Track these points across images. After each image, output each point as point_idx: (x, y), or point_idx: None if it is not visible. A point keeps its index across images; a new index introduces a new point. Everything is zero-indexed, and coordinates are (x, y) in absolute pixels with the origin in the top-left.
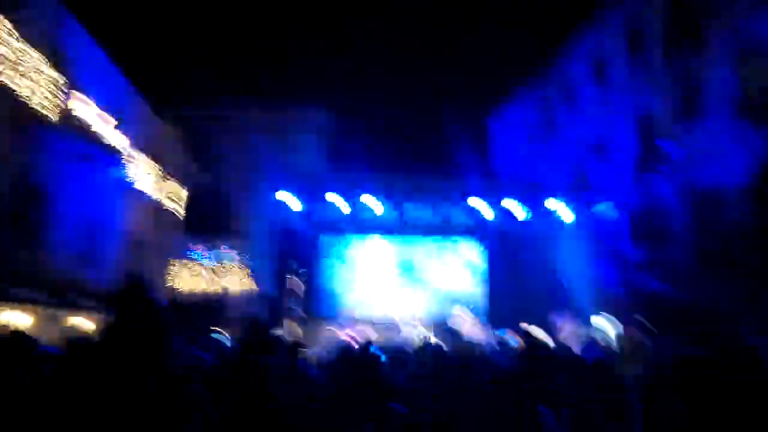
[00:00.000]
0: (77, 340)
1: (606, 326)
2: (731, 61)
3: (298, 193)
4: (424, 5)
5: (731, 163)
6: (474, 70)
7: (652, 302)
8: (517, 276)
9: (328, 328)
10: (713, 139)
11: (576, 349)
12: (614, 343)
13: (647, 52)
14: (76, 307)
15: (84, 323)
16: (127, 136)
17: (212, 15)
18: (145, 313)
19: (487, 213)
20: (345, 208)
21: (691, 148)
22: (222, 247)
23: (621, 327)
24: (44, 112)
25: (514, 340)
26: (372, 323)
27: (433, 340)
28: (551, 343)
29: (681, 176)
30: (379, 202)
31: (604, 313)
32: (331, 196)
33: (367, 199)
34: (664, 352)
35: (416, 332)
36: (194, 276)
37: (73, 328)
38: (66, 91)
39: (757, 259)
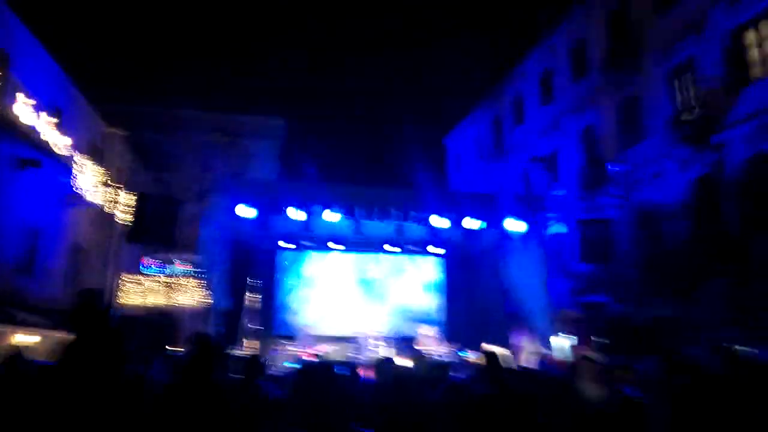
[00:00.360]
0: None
1: (564, 345)
2: (667, 80)
3: (254, 204)
4: (385, 24)
5: (670, 180)
6: (431, 90)
7: (603, 318)
8: (474, 291)
9: (286, 345)
10: (653, 157)
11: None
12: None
13: (589, 71)
14: (15, 322)
15: (25, 339)
16: (68, 137)
17: (166, 11)
18: (101, 332)
19: (445, 228)
20: (302, 220)
21: (632, 166)
22: (175, 260)
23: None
24: None
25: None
26: (332, 340)
27: (395, 357)
28: (512, 364)
29: (624, 193)
30: (337, 215)
31: (562, 333)
32: (291, 211)
33: (326, 214)
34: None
35: (378, 349)
36: (144, 290)
37: (12, 345)
38: (1, 87)
39: (696, 272)
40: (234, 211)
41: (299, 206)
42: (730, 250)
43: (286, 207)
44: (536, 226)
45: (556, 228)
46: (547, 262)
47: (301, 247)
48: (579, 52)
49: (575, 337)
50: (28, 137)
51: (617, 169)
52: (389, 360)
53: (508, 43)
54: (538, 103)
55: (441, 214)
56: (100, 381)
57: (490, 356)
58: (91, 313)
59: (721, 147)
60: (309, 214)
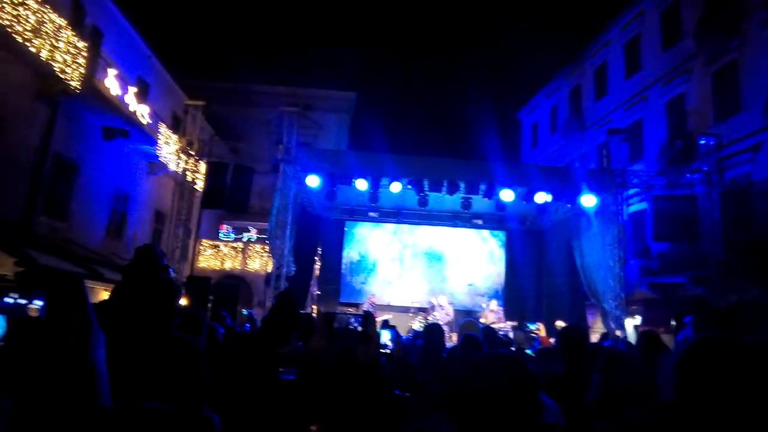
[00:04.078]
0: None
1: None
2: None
3: (323, 175)
4: None
5: (765, 155)
6: (506, 62)
7: (679, 300)
8: (544, 268)
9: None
10: (750, 130)
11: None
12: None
13: (682, 37)
14: (103, 280)
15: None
16: (153, 109)
17: None
18: (152, 281)
19: (512, 202)
20: (370, 191)
21: (724, 142)
22: (250, 228)
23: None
24: (67, 79)
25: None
26: (395, 309)
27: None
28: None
29: (714, 169)
30: (402, 185)
31: (635, 314)
32: (359, 182)
33: (393, 186)
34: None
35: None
36: (221, 255)
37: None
38: (88, 58)
39: None
40: (304, 182)
41: (367, 177)
42: None
43: (355, 178)
44: (614, 202)
45: (637, 206)
46: (627, 240)
47: (368, 218)
48: (672, 16)
49: (640, 318)
50: (118, 109)
51: (709, 142)
52: (436, 325)
53: (590, 11)
54: (623, 72)
55: (512, 188)
56: (141, 325)
57: (567, 335)
58: (147, 268)
59: None
60: (377, 185)
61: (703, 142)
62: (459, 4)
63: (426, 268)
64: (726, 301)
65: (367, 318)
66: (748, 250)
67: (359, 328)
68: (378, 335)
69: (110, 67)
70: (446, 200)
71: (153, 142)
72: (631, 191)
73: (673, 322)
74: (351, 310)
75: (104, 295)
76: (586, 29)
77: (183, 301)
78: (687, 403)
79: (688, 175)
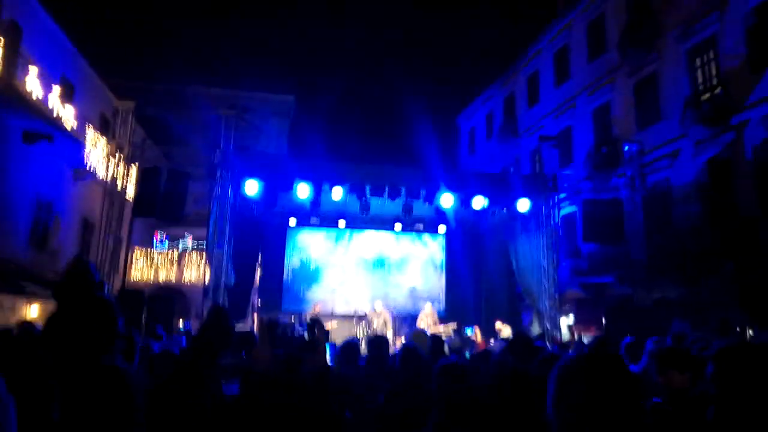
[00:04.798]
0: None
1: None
2: (687, 59)
3: (262, 180)
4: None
5: (685, 161)
6: (444, 68)
7: (607, 299)
8: (482, 271)
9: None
10: (669, 137)
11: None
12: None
13: (607, 49)
14: (25, 294)
15: (38, 311)
16: (79, 111)
17: None
18: (88, 302)
19: (453, 207)
20: (310, 197)
21: (646, 148)
22: (186, 235)
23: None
24: None
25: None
26: (338, 317)
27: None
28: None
29: (637, 174)
30: (343, 190)
31: (567, 313)
32: (299, 188)
33: (335, 191)
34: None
35: (379, 327)
36: (155, 265)
37: (21, 317)
38: (5, 55)
39: (705, 254)
40: (242, 187)
41: (308, 182)
42: (741, 233)
43: (295, 183)
44: (546, 205)
45: (568, 209)
46: (559, 242)
47: (309, 224)
48: (597, 29)
49: (572, 316)
50: (40, 111)
51: (632, 148)
52: (381, 337)
53: (524, 21)
54: (553, 81)
55: (451, 193)
56: (80, 352)
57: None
58: (80, 284)
59: (740, 128)
60: (317, 191)
61: (626, 148)
62: (399, 10)
63: (369, 274)
64: (650, 299)
65: (314, 324)
66: (668, 251)
67: (305, 335)
68: (326, 342)
69: (31, 65)
70: (388, 205)
71: (79, 146)
72: (562, 195)
73: (604, 321)
74: (292, 318)
75: (26, 310)
76: (520, 38)
77: None
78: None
79: (613, 180)
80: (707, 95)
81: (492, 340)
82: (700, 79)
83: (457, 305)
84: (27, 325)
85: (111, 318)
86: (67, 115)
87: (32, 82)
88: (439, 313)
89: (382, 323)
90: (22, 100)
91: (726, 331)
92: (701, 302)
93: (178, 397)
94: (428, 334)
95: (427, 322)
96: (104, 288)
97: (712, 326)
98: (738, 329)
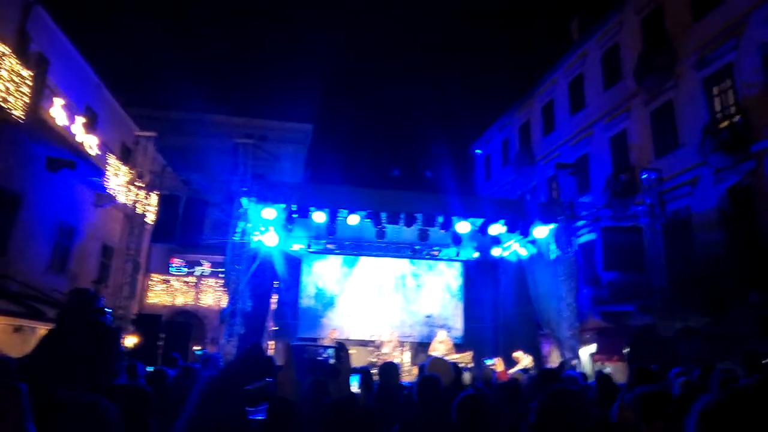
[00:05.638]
0: None
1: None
2: (704, 87)
3: (278, 207)
4: (414, 29)
5: (704, 189)
6: (460, 96)
7: (628, 328)
8: (499, 298)
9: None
10: (687, 165)
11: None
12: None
13: (622, 78)
14: (43, 320)
15: None
16: (102, 139)
17: (196, 15)
18: (85, 327)
19: (468, 233)
20: (327, 223)
21: (664, 176)
22: (202, 262)
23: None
24: (10, 109)
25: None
26: (354, 344)
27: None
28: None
29: (656, 202)
30: (359, 218)
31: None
32: (316, 215)
33: (350, 218)
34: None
35: (395, 354)
36: (172, 290)
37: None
38: (33, 86)
39: (728, 283)
40: (259, 214)
41: (324, 209)
42: (766, 261)
43: (311, 210)
44: (564, 233)
45: (586, 236)
46: (578, 270)
47: (325, 251)
48: (612, 58)
49: (595, 346)
50: (64, 140)
51: (650, 176)
52: (392, 364)
53: (540, 50)
54: (569, 109)
55: (467, 220)
56: (72, 377)
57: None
58: (80, 311)
59: (761, 156)
60: (333, 217)
61: (645, 176)
62: (415, 39)
63: (385, 301)
64: (672, 329)
65: (340, 349)
66: (690, 279)
67: (331, 360)
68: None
69: (56, 96)
70: (404, 232)
71: (101, 173)
72: (580, 222)
73: (626, 350)
74: (317, 342)
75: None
76: (535, 66)
77: (133, 340)
78: None
79: (632, 208)
80: (726, 123)
81: (511, 371)
82: (717, 107)
83: (474, 333)
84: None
85: (108, 343)
86: (90, 143)
87: (57, 112)
88: (456, 340)
89: (393, 350)
90: (48, 128)
91: (752, 364)
92: (725, 332)
93: (206, 423)
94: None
95: (441, 350)
96: (106, 314)
97: (737, 357)
98: (764, 361)
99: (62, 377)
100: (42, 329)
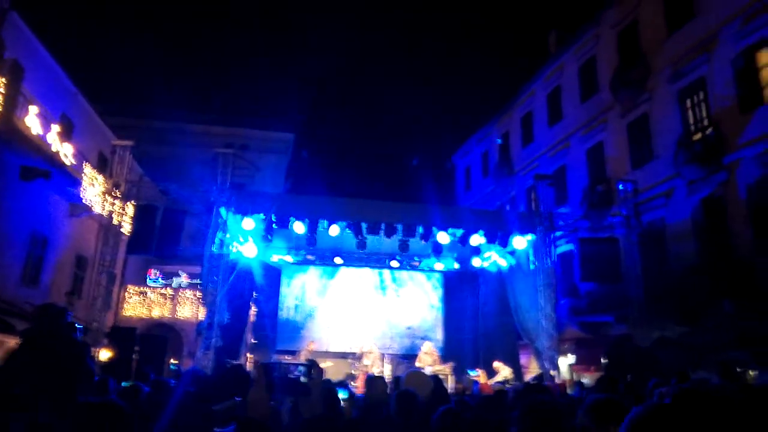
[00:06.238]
0: None
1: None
2: (677, 100)
3: (257, 217)
4: (394, 40)
5: (678, 200)
6: (441, 106)
7: (606, 338)
8: (479, 309)
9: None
10: (662, 177)
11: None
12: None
13: (599, 91)
14: (14, 333)
15: None
16: (77, 148)
17: (176, 24)
18: (52, 343)
19: (448, 244)
20: (307, 234)
21: (640, 187)
22: (180, 273)
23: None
24: None
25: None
26: (333, 356)
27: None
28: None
29: (632, 213)
30: (340, 228)
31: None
32: (296, 225)
33: (331, 229)
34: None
35: (375, 366)
36: (148, 302)
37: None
38: (6, 94)
39: (702, 293)
40: (239, 224)
41: (304, 220)
42: (738, 271)
43: (291, 221)
44: (543, 243)
45: (564, 247)
46: (556, 281)
47: (305, 262)
48: (588, 70)
49: (573, 356)
50: (39, 149)
51: (626, 188)
52: (379, 378)
53: (518, 62)
54: (547, 121)
55: (447, 231)
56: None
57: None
58: (48, 328)
59: (732, 167)
60: (313, 228)
61: (621, 187)
62: (396, 52)
63: (365, 312)
64: (649, 339)
65: (312, 367)
66: (665, 289)
67: (302, 378)
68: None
69: (31, 104)
70: (384, 243)
71: (76, 183)
72: (558, 233)
73: (604, 360)
74: (288, 358)
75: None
76: (514, 79)
77: (107, 354)
78: None
79: (609, 218)
80: (699, 135)
81: (491, 381)
82: (691, 119)
83: (454, 344)
84: None
85: (76, 359)
86: (66, 152)
87: (32, 120)
88: (441, 351)
89: (373, 361)
90: (22, 137)
91: (727, 374)
92: (701, 342)
93: None
94: (428, 374)
95: (427, 361)
96: (75, 329)
97: (712, 366)
98: (739, 370)
99: (28, 394)
100: (12, 342)
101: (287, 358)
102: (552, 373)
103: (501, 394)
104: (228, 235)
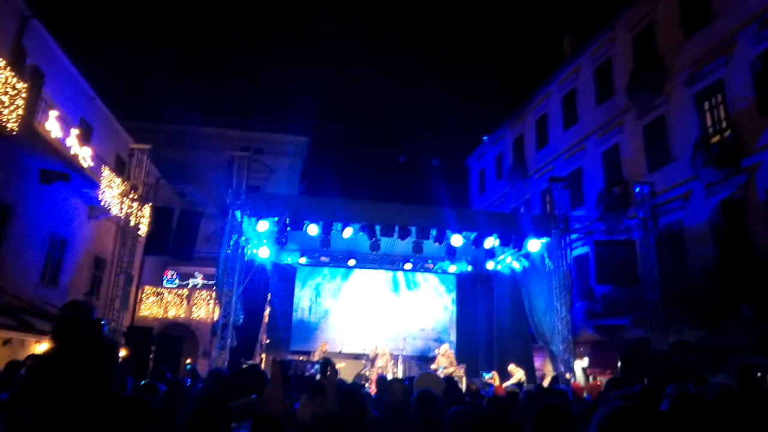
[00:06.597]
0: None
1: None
2: (695, 102)
3: (273, 219)
4: (409, 43)
5: (696, 202)
6: (454, 109)
7: (622, 342)
8: (494, 312)
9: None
10: (679, 179)
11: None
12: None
13: (614, 93)
14: (34, 332)
15: (44, 348)
16: (96, 152)
17: (192, 28)
18: (85, 343)
19: (461, 246)
20: (321, 236)
21: (657, 190)
22: (196, 274)
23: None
24: (4, 121)
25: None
26: (347, 357)
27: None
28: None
29: (649, 215)
30: (353, 230)
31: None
32: (310, 227)
33: (345, 231)
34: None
35: (389, 367)
36: (165, 302)
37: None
38: (27, 99)
39: (721, 296)
40: (254, 226)
41: (318, 222)
42: (758, 274)
43: (306, 223)
44: (558, 246)
45: (580, 250)
46: (572, 283)
47: (319, 263)
48: (604, 73)
49: (587, 359)
50: (58, 152)
51: (643, 190)
52: (398, 380)
53: (533, 66)
54: (562, 124)
55: (461, 233)
56: (78, 390)
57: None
58: (78, 327)
59: (751, 170)
60: (327, 230)
61: (637, 189)
62: (412, 54)
63: (379, 314)
64: (665, 343)
65: (326, 365)
66: (683, 293)
67: (317, 377)
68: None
69: (51, 108)
70: (398, 245)
71: (95, 185)
72: (574, 236)
73: (620, 364)
74: (302, 358)
75: (35, 348)
76: (529, 81)
77: (123, 353)
78: None
79: (625, 221)
80: (717, 138)
81: (506, 384)
82: (709, 122)
83: (468, 346)
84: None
85: (108, 358)
86: (84, 155)
87: (52, 125)
88: (456, 353)
89: (386, 363)
90: (42, 141)
91: (744, 379)
92: (719, 345)
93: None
94: (441, 376)
95: (444, 363)
96: (102, 327)
97: (731, 370)
98: (759, 374)
99: (63, 393)
100: (32, 341)
101: (302, 359)
102: (567, 376)
103: (512, 396)
104: (243, 238)
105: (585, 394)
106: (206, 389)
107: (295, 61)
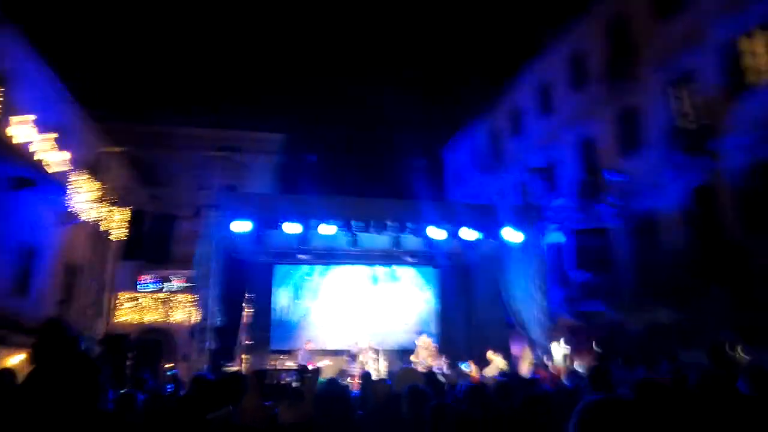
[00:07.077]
0: None
1: (561, 353)
2: (666, 90)
3: (249, 219)
4: (382, 35)
5: (668, 188)
6: (428, 101)
7: (599, 326)
8: (472, 302)
9: (284, 360)
10: (651, 166)
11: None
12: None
13: (588, 82)
14: (7, 344)
15: (18, 361)
16: (66, 155)
17: (163, 26)
18: (66, 358)
19: (441, 239)
20: (298, 234)
21: (631, 175)
22: (171, 277)
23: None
24: None
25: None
26: (329, 354)
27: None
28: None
29: (622, 202)
30: (333, 228)
31: (559, 341)
32: (287, 225)
33: (322, 227)
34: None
35: (371, 362)
36: (140, 307)
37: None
38: None
39: (694, 279)
40: (229, 226)
41: (295, 220)
42: (729, 257)
43: (282, 221)
44: (534, 235)
45: (555, 237)
46: (546, 271)
47: (297, 261)
48: (578, 62)
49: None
50: (25, 158)
51: (616, 177)
52: (368, 374)
53: (507, 54)
54: (537, 114)
55: (438, 225)
56: (64, 406)
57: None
58: (56, 344)
59: (720, 155)
60: (305, 227)
61: (611, 177)
62: (385, 45)
63: (360, 309)
64: (641, 325)
65: (304, 372)
66: (656, 276)
67: (294, 383)
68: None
69: (21, 111)
70: (377, 239)
71: (65, 190)
72: (550, 225)
73: (596, 348)
74: (284, 357)
75: (7, 361)
76: (504, 71)
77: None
78: None
79: (600, 208)
80: (688, 124)
81: (485, 371)
82: (680, 109)
83: (449, 338)
84: (5, 372)
85: (91, 374)
86: (54, 160)
87: (21, 127)
88: (437, 345)
89: (368, 358)
90: (7, 147)
91: (717, 355)
92: (691, 325)
93: None
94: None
95: (424, 355)
96: (80, 342)
97: (703, 348)
98: (730, 352)
99: (48, 412)
100: (4, 354)
101: (283, 358)
102: (546, 362)
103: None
104: (219, 237)
105: (564, 380)
106: (187, 399)
107: (269, 58)
